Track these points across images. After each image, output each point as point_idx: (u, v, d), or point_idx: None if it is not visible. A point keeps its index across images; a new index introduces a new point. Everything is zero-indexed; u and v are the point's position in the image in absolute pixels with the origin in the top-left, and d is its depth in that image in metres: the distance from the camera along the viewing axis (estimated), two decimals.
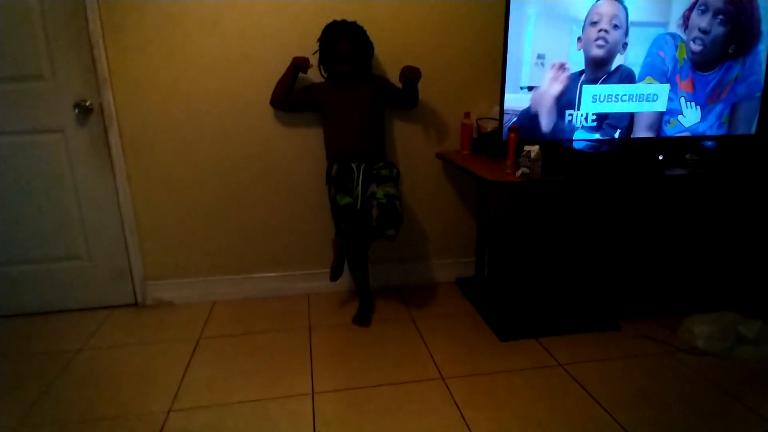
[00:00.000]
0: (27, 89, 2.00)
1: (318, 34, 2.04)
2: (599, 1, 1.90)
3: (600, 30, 1.90)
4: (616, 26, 1.92)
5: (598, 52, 1.93)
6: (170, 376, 1.74)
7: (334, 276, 1.98)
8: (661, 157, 1.82)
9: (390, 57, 2.18)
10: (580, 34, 1.92)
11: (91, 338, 2.01)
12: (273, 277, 2.37)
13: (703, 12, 1.95)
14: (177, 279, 2.30)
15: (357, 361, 1.82)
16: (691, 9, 1.96)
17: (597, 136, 2.03)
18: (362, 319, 2.11)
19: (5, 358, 1.89)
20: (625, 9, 1.92)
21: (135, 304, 2.30)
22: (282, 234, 2.33)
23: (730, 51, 2.02)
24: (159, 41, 2.02)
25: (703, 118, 2.09)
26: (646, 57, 1.98)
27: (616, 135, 2.05)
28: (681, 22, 1.97)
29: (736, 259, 2.59)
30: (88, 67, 2.00)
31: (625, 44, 1.94)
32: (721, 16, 1.98)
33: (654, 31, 1.96)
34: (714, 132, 2.11)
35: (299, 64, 2.06)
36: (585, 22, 1.91)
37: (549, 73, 1.93)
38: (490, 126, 2.17)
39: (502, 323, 2.04)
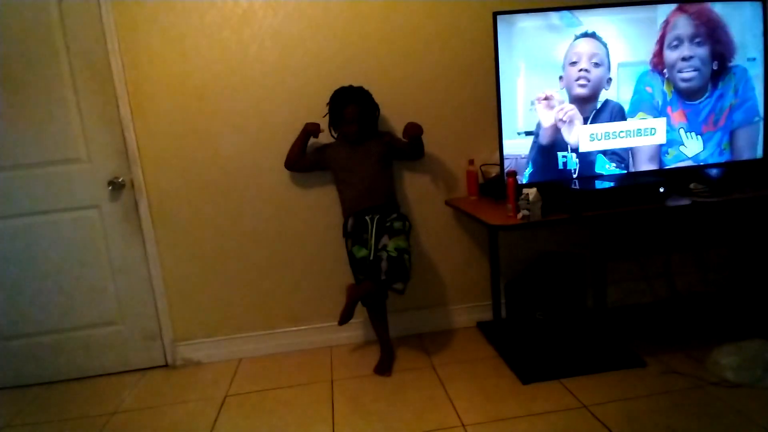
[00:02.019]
0: (67, 171, 2.21)
1: (326, 99, 2.20)
2: (576, 41, 1.99)
3: (580, 70, 1.99)
4: (596, 64, 2.00)
5: (580, 91, 2.01)
6: None
7: (343, 320, 2.02)
8: (662, 190, 1.84)
9: (395, 114, 2.32)
10: (561, 73, 2.01)
11: (124, 401, 2.10)
12: (295, 331, 2.43)
13: (677, 46, 2.03)
14: (204, 339, 2.39)
15: (378, 413, 1.84)
16: (657, 55, 2.03)
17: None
18: (383, 368, 2.13)
19: (44, 424, 1.98)
20: (605, 46, 2.01)
21: (165, 366, 2.39)
22: (303, 289, 2.41)
23: (714, 68, 2.07)
24: (182, 119, 2.23)
25: (703, 146, 2.11)
26: (634, 94, 2.05)
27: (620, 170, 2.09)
28: (651, 68, 2.04)
29: (760, 283, 2.51)
30: (120, 147, 2.21)
31: (609, 80, 2.02)
32: (697, 39, 2.04)
33: (639, 69, 2.04)
34: (716, 159, 2.13)
35: (310, 130, 2.22)
36: (564, 61, 2.00)
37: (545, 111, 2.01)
38: (494, 171, 2.25)
39: (523, 366, 2.03)
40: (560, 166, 2.05)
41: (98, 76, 2.15)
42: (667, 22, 2.02)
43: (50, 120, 2.16)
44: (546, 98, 1.97)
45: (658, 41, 2.03)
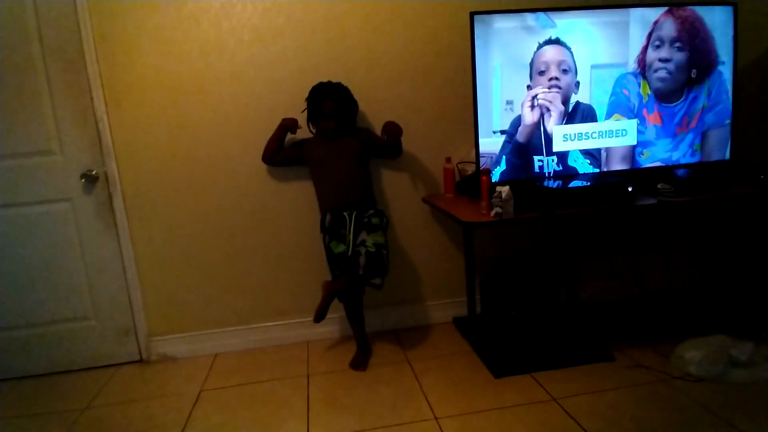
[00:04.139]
0: (38, 164, 2.17)
1: (304, 95, 2.20)
2: (540, 49, 2.01)
3: (550, 79, 2.03)
4: (565, 71, 2.04)
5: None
6: (171, 431, 1.79)
7: (318, 318, 2.02)
8: (630, 189, 1.89)
9: (374, 110, 2.33)
10: (529, 81, 2.03)
11: (96, 396, 2.08)
12: (272, 326, 2.44)
13: (658, 47, 2.07)
14: (180, 334, 2.38)
15: (352, 406, 1.85)
16: (643, 52, 2.08)
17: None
18: (359, 363, 2.15)
19: (15, 419, 1.95)
20: (570, 50, 2.04)
21: (140, 361, 2.37)
22: (280, 284, 2.41)
23: (692, 76, 2.12)
24: (158, 112, 2.20)
25: (674, 147, 2.17)
26: (611, 96, 2.09)
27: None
28: (636, 66, 2.08)
29: (724, 281, 2.60)
30: (94, 140, 2.18)
31: (578, 83, 2.06)
32: (677, 44, 2.09)
33: (616, 72, 2.09)
34: (687, 160, 2.19)
35: (287, 125, 2.21)
36: (531, 70, 2.03)
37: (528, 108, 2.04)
38: (470, 169, 2.28)
39: (496, 360, 2.06)
40: (536, 170, 2.09)
41: (72, 67, 2.11)
42: (656, 21, 2.06)
43: (22, 111, 2.12)
44: (534, 97, 2.00)
45: (646, 38, 2.07)
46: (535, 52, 2.01)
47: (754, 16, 2.39)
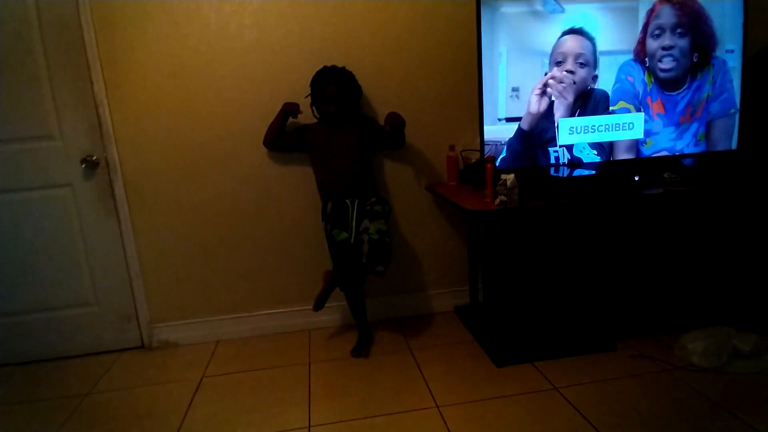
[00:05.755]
0: (38, 148, 2.15)
1: (307, 79, 2.17)
2: (562, 38, 1.98)
3: (566, 71, 1.98)
4: (582, 64, 2.00)
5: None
6: (173, 416, 1.79)
7: (318, 306, 2.02)
8: (636, 178, 1.87)
9: (377, 97, 2.30)
10: (546, 69, 2.00)
11: (99, 382, 2.08)
12: (274, 314, 2.43)
13: (658, 36, 2.04)
14: (181, 321, 2.38)
15: (353, 394, 1.85)
16: (641, 42, 2.04)
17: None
18: (360, 351, 2.15)
19: (18, 404, 1.96)
20: (592, 42, 2.01)
21: (141, 347, 2.37)
22: (281, 272, 2.41)
23: (694, 60, 2.09)
24: (159, 96, 2.17)
25: (678, 136, 2.14)
26: (616, 83, 2.06)
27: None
28: (634, 57, 2.05)
29: (728, 272, 2.58)
30: (94, 124, 2.15)
31: (595, 77, 2.02)
32: (679, 30, 2.05)
33: (621, 58, 2.05)
34: (691, 150, 2.16)
35: (288, 110, 2.19)
36: (550, 60, 1.99)
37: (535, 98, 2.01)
38: (474, 157, 2.26)
39: (497, 349, 2.06)
40: (552, 161, 2.06)
41: (71, 50, 2.08)
42: (651, 10, 2.03)
43: (20, 94, 2.09)
44: (545, 85, 1.97)
45: (642, 29, 2.03)
46: (557, 41, 1.97)
47: (764, 3, 2.34)
